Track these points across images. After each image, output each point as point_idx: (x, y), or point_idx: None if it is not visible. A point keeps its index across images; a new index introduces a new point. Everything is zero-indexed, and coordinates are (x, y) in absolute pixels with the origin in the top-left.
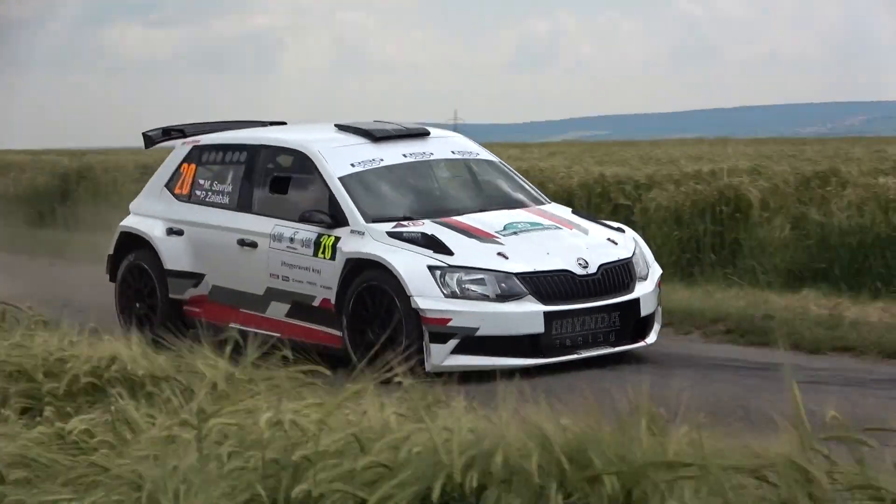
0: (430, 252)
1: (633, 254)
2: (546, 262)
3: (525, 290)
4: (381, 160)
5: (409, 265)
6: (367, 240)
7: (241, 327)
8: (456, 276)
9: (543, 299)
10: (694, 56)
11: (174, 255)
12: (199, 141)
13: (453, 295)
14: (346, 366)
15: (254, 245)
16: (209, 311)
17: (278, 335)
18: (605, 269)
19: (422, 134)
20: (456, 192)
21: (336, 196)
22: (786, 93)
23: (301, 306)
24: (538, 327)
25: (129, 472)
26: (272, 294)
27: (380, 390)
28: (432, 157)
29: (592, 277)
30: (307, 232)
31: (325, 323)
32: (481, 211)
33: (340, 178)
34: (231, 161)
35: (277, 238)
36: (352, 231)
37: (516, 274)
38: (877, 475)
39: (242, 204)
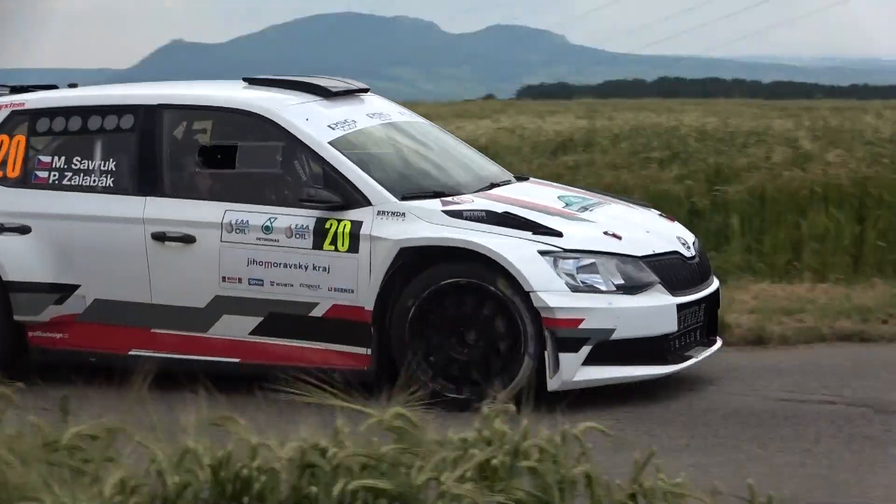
0: (529, 234)
1: None
2: (653, 242)
3: (655, 277)
4: (355, 122)
5: (519, 252)
6: (418, 222)
7: (155, 354)
8: (570, 262)
9: (672, 289)
10: None
11: (18, 261)
12: (23, 104)
13: (576, 289)
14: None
15: (188, 240)
16: (82, 336)
17: (235, 360)
18: (700, 250)
19: (364, 90)
20: (439, 162)
21: (337, 167)
22: None
23: (287, 319)
24: (672, 325)
25: None
26: (225, 305)
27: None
28: (391, 120)
29: (696, 261)
30: (297, 218)
31: (337, 339)
32: (492, 187)
33: (333, 144)
34: (100, 129)
35: (236, 228)
36: (380, 212)
37: (641, 258)
38: None
39: (144, 185)
